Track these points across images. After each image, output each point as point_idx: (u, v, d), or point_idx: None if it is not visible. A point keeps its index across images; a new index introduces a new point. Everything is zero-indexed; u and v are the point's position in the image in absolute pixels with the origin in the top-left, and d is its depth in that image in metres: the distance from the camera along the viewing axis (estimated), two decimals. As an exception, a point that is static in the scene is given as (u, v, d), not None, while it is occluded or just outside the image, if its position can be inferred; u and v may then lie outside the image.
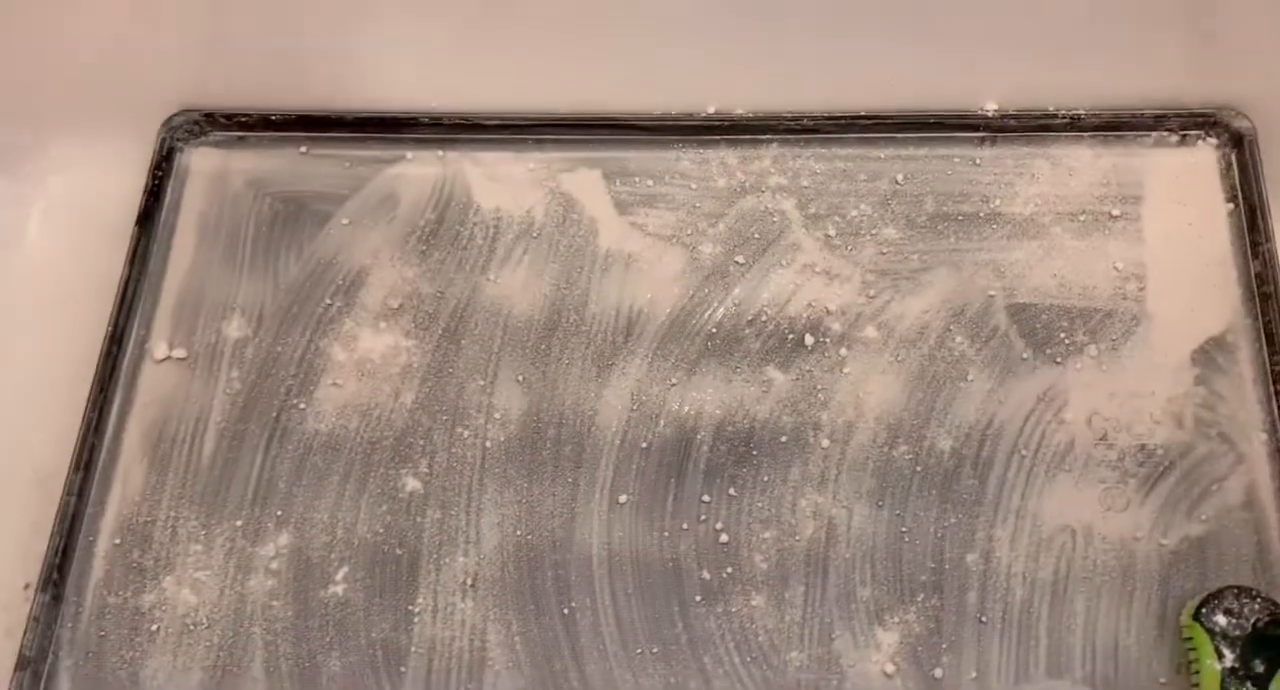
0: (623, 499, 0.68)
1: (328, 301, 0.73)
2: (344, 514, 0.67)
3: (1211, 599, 0.62)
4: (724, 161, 0.78)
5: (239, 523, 0.67)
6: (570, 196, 0.77)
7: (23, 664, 0.61)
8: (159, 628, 0.64)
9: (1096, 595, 0.65)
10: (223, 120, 0.78)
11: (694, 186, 0.77)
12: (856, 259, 0.74)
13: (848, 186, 0.76)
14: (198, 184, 0.77)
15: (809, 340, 0.72)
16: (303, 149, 0.78)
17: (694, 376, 0.71)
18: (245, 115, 0.78)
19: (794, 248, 0.75)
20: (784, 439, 0.69)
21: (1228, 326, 0.71)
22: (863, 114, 0.77)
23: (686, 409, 0.70)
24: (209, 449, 0.69)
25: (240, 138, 0.78)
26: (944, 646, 0.64)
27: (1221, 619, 0.61)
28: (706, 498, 0.68)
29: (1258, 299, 0.72)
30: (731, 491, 0.68)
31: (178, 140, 0.77)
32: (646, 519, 0.67)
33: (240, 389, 0.70)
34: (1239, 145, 0.76)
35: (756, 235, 0.75)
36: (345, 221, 0.76)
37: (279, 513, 0.67)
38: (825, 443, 0.69)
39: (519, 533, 0.67)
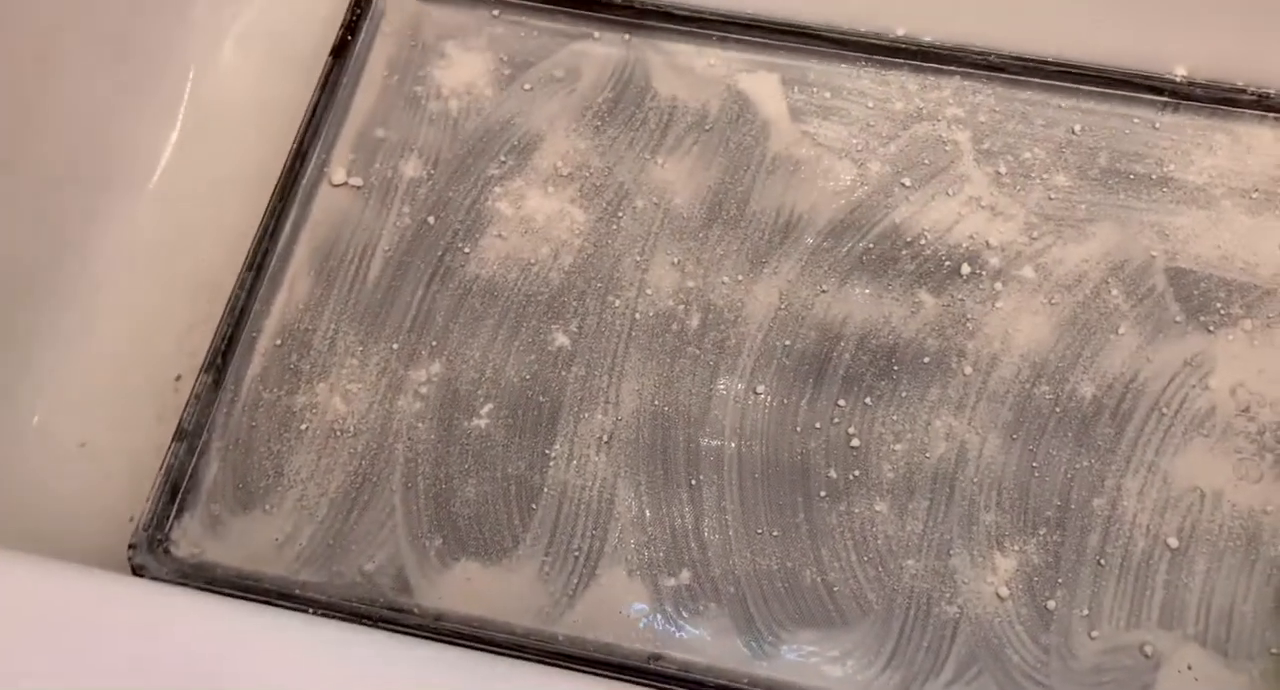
0: (760, 390, 0.68)
1: (502, 158, 0.75)
2: (494, 356, 0.68)
3: (1339, 575, 0.61)
4: (904, 86, 0.78)
5: (395, 345, 0.68)
6: (746, 96, 0.77)
7: (180, 435, 0.64)
8: (307, 428, 0.66)
9: (1218, 559, 0.65)
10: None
11: (871, 105, 0.77)
12: (1023, 200, 0.74)
13: (1024, 128, 0.76)
14: (391, 28, 0.79)
15: (965, 270, 0.72)
16: (495, 12, 0.79)
17: (844, 287, 0.71)
18: (446, -30, 0.79)
19: (962, 179, 0.75)
20: (926, 360, 0.69)
21: (1388, 322, 0.70)
22: (1050, 60, 0.77)
23: (833, 316, 0.71)
24: (374, 273, 0.71)
25: (438, -9, 0.80)
26: (1060, 581, 0.64)
27: (1346, 597, 0.61)
28: (842, 402, 0.68)
29: None
30: (868, 401, 0.68)
31: (377, -17, 0.79)
32: (780, 412, 0.68)
33: (410, 225, 0.72)
34: None
35: (926, 161, 0.75)
36: (527, 87, 0.77)
37: (434, 343, 0.68)
38: (968, 370, 0.69)
39: (657, 402, 0.68)
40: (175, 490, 0.63)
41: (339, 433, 0.66)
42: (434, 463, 0.66)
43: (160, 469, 0.63)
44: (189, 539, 0.63)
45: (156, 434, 0.65)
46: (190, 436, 0.64)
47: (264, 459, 0.65)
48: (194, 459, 0.65)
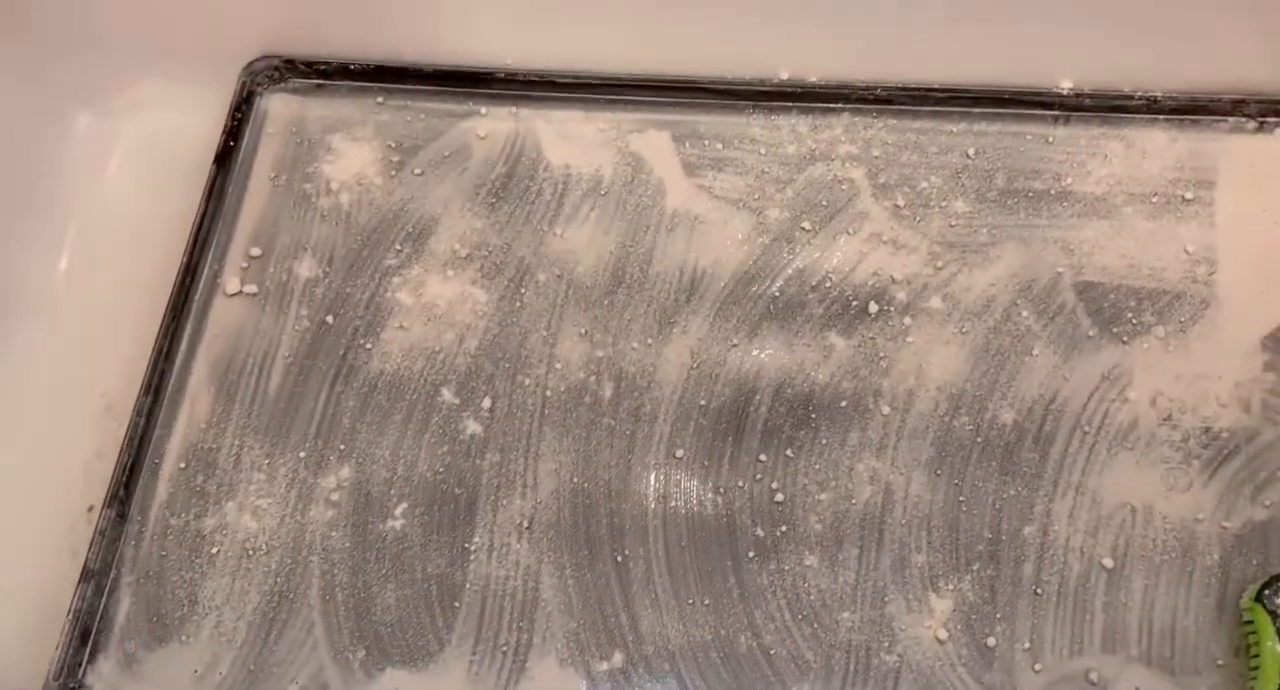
0: (679, 454, 0.68)
1: (398, 247, 0.74)
2: (405, 452, 0.68)
3: (1275, 581, 0.61)
4: (795, 128, 0.78)
5: (302, 454, 0.68)
6: (639, 157, 0.77)
7: (87, 576, 0.63)
8: (219, 551, 0.65)
9: (1155, 574, 0.64)
10: (302, 67, 0.79)
11: (763, 152, 0.77)
12: (924, 230, 0.74)
13: (918, 158, 0.76)
14: (275, 127, 0.78)
15: (873, 308, 0.72)
16: (379, 99, 0.79)
17: (755, 338, 0.71)
18: (325, 63, 0.79)
19: (862, 216, 0.75)
20: (843, 404, 0.69)
21: (1299, 314, 0.70)
22: (937, 87, 0.77)
23: (746, 370, 0.70)
24: (275, 382, 0.70)
25: (319, 85, 0.79)
26: (998, 616, 0.63)
27: (1285, 602, 0.60)
28: (763, 457, 0.68)
29: (1331, 288, 0.71)
30: (789, 452, 0.68)
31: (258, 85, 0.79)
32: (702, 474, 0.67)
33: (309, 326, 0.71)
34: (1319, 134, 0.75)
35: (824, 202, 0.75)
36: (418, 171, 0.77)
37: (342, 447, 0.68)
38: (885, 410, 0.69)
39: (575, 480, 0.67)
40: (86, 634, 0.62)
41: (252, 552, 0.65)
42: (351, 571, 0.65)
43: (68, 614, 0.62)
44: (104, 683, 0.62)
45: (72, 570, 0.64)
46: (98, 575, 0.63)
47: (177, 588, 0.64)
48: (104, 598, 0.63)
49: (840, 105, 0.77)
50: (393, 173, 0.77)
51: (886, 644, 0.63)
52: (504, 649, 0.63)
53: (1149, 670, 0.62)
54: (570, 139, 0.78)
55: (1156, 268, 0.72)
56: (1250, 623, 0.61)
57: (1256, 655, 0.60)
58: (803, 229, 0.74)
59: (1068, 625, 0.63)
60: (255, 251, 0.74)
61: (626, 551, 0.65)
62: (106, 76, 0.78)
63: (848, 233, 0.74)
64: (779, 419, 0.69)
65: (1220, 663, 0.62)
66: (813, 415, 0.69)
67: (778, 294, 0.72)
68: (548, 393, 0.69)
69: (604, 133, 0.78)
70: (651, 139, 0.78)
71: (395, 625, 0.63)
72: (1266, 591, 0.61)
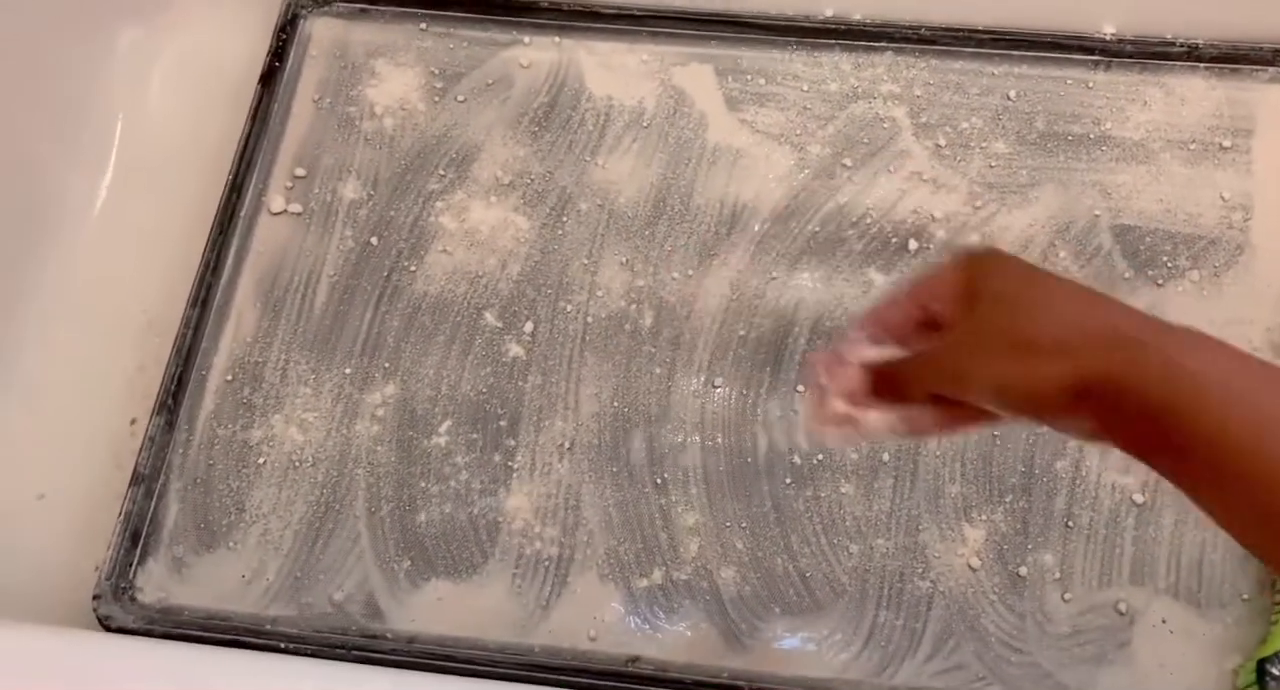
0: (718, 382, 0.68)
1: (441, 172, 0.74)
2: (449, 372, 0.68)
3: (1303, 517, 0.62)
4: (837, 66, 0.78)
5: (348, 370, 0.68)
6: (681, 90, 0.77)
7: (137, 480, 0.63)
8: (266, 461, 0.66)
9: (1185, 511, 0.65)
10: (347, -8, 0.79)
11: (805, 88, 0.77)
12: (964, 170, 0.74)
13: (960, 99, 0.76)
14: (319, 50, 0.78)
15: (912, 245, 0.72)
16: (422, 25, 0.79)
17: (794, 272, 0.71)
18: (369, -13, 0.79)
19: (903, 155, 0.75)
20: (881, 338, 0.69)
21: (1333, 263, 0.71)
22: (980, 29, 0.77)
23: (785, 302, 0.71)
24: (321, 300, 0.70)
25: (363, 9, 0.79)
26: (1029, 546, 0.64)
27: (1312, 538, 0.61)
28: (801, 388, 0.68)
29: (1365, 236, 0.71)
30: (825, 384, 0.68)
31: (302, 7, 0.78)
32: (740, 403, 0.68)
33: (353, 247, 0.72)
34: (1357, 85, 0.75)
35: (866, 140, 0.75)
36: (460, 99, 0.77)
37: (386, 365, 0.68)
38: (922, 344, 0.69)
39: (616, 404, 0.68)
40: (136, 536, 0.63)
41: (298, 463, 0.66)
42: (396, 485, 0.65)
43: (119, 516, 0.63)
44: (154, 584, 0.63)
45: (115, 480, 0.65)
46: (147, 480, 0.64)
47: (224, 496, 0.65)
48: (153, 503, 0.64)
49: (884, 44, 0.78)
50: (436, 99, 0.77)
51: (920, 570, 0.64)
52: (546, 564, 0.64)
53: (1176, 602, 0.63)
54: (613, 70, 0.78)
55: (1193, 213, 0.73)
56: (1277, 558, 0.62)
57: (1281, 590, 0.61)
58: (844, 166, 0.75)
59: (1098, 558, 0.64)
60: (300, 172, 0.74)
61: (665, 475, 0.66)
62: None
63: (888, 171, 0.74)
64: (816, 351, 0.69)
65: (1245, 597, 0.63)
66: (850, 349, 0.69)
67: (818, 229, 0.73)
68: (589, 319, 0.70)
69: (647, 65, 0.78)
70: (694, 72, 0.78)
71: (440, 538, 0.64)
72: (1294, 528, 0.62)
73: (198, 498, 0.65)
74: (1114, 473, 0.66)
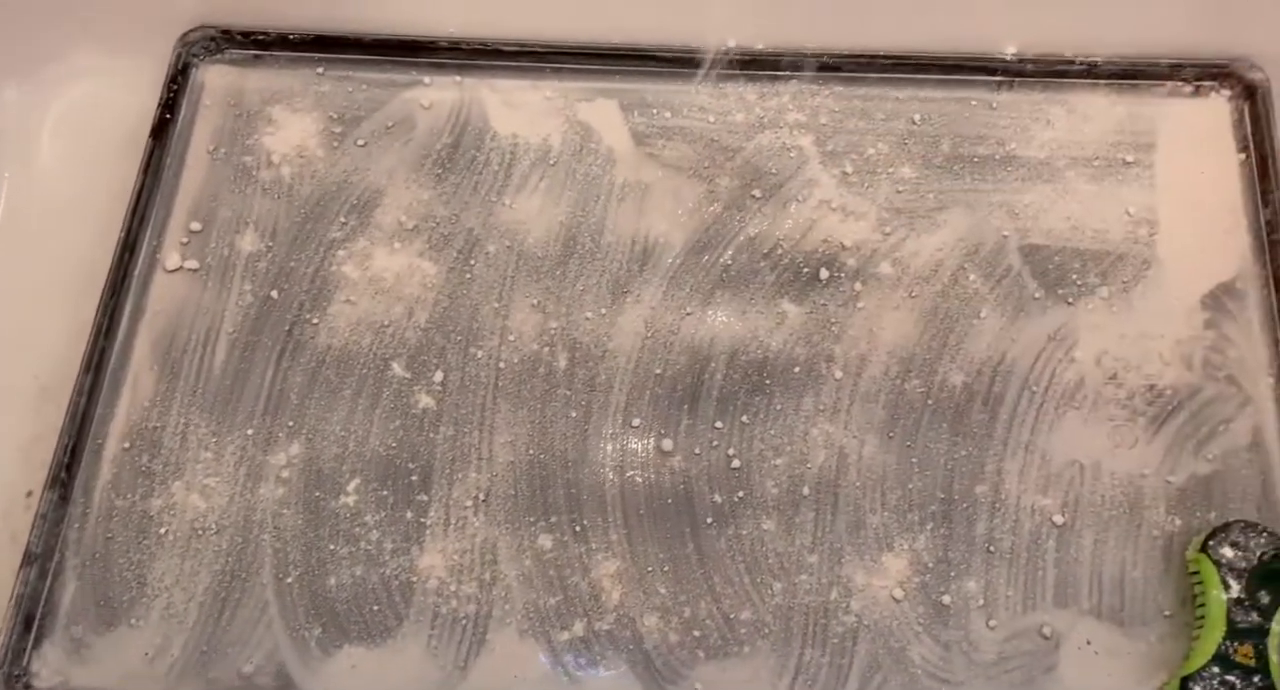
0: (636, 423, 0.67)
1: (342, 220, 0.73)
2: (356, 427, 0.67)
3: (1219, 532, 0.62)
4: (742, 96, 0.77)
5: (250, 431, 0.66)
6: (587, 126, 0.76)
7: (29, 559, 0.61)
8: (167, 531, 0.64)
9: (1104, 529, 0.65)
10: (239, 37, 0.77)
11: (712, 120, 0.77)
12: (873, 197, 0.74)
13: (865, 125, 0.77)
14: (213, 99, 0.76)
15: (824, 274, 0.72)
16: (319, 70, 0.77)
17: (708, 307, 0.71)
18: (262, 33, 0.77)
19: (811, 184, 0.75)
20: (797, 370, 0.69)
21: (1237, 273, 0.72)
22: (883, 54, 0.77)
23: (700, 338, 0.70)
24: (220, 358, 0.68)
25: (256, 56, 0.77)
26: (952, 574, 0.64)
27: (1228, 551, 0.62)
28: (719, 424, 0.68)
29: (1267, 247, 0.72)
30: (744, 419, 0.68)
31: (193, 56, 0.76)
32: (659, 442, 0.67)
33: (253, 302, 0.70)
34: (1252, 97, 0.76)
35: (774, 170, 0.75)
36: (360, 143, 0.75)
37: (290, 423, 0.66)
38: (838, 374, 0.69)
39: (531, 452, 0.66)
40: (30, 620, 0.60)
41: (201, 532, 0.64)
42: (304, 549, 0.63)
43: (10, 600, 0.60)
44: (50, 669, 0.60)
45: (11, 556, 0.62)
46: (40, 559, 0.62)
47: (124, 571, 0.63)
48: (48, 582, 0.62)
49: (788, 73, 0.77)
50: (335, 144, 0.75)
51: (844, 605, 0.63)
52: (463, 622, 0.62)
53: (1100, 623, 0.63)
54: (517, 108, 0.77)
55: (1099, 230, 0.73)
56: (1196, 573, 0.62)
57: (1202, 604, 0.61)
58: (753, 197, 0.74)
59: (1020, 581, 0.64)
60: (195, 226, 0.72)
61: (585, 522, 0.65)
62: (36, 46, 0.76)
63: (797, 200, 0.74)
64: (734, 386, 0.69)
65: (1168, 613, 0.63)
66: (767, 382, 0.69)
67: (730, 262, 0.72)
68: (501, 365, 0.69)
69: (551, 101, 0.77)
70: (600, 108, 0.77)
71: (351, 602, 0.62)
72: (1210, 542, 0.62)
73: (96, 574, 0.62)
74: (1033, 493, 0.66)
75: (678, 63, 0.77)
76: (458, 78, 0.77)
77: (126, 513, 0.64)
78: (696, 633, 0.62)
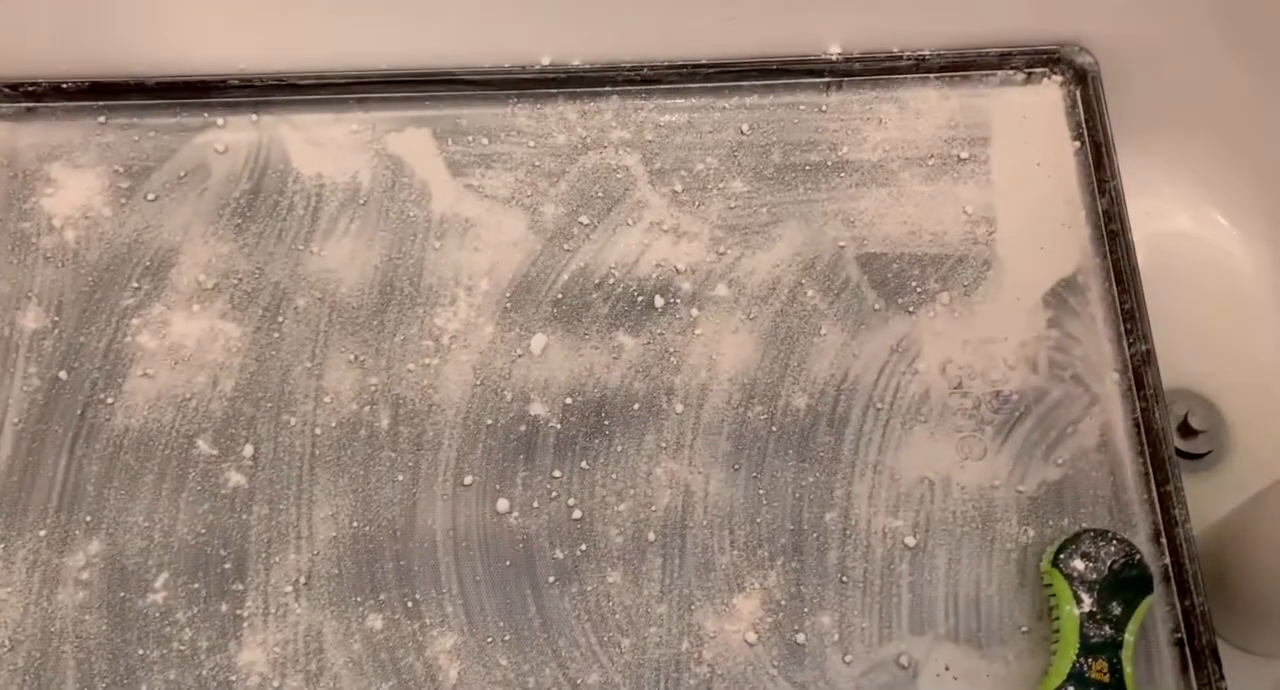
0: (468, 480, 0.64)
1: (135, 285, 0.67)
2: (161, 516, 0.62)
3: (1068, 544, 0.61)
4: (563, 116, 0.73)
5: (42, 532, 0.61)
6: (399, 159, 0.72)
7: None
8: (-47, 655, 0.59)
9: (957, 547, 0.64)
10: (7, 90, 0.71)
11: (532, 144, 0.73)
12: (704, 215, 0.71)
13: (693, 139, 0.73)
14: (-20, 161, 0.70)
15: (659, 302, 0.69)
16: (101, 119, 0.71)
17: (540, 347, 0.67)
18: (33, 84, 0.71)
19: (640, 205, 0.71)
20: (636, 407, 0.66)
21: (1078, 267, 0.71)
22: (704, 62, 0.74)
23: (534, 381, 0.66)
24: (6, 453, 0.63)
25: (29, 108, 0.71)
26: (805, 610, 0.62)
27: (1079, 564, 0.61)
28: (558, 473, 0.64)
29: (1106, 238, 0.71)
30: (584, 465, 0.65)
31: (-46, 113, 0.70)
32: (494, 500, 0.64)
33: (40, 385, 0.64)
34: (1083, 82, 0.75)
35: (600, 194, 0.72)
36: (150, 197, 0.70)
37: (88, 518, 0.61)
38: (679, 408, 0.66)
39: (355, 524, 0.62)
40: None
41: (-9, 651, 0.59)
42: (110, 657, 0.59)
43: None
44: None
45: None
46: None
47: (-95, 705, 0.58)
48: None
49: (608, 89, 0.74)
50: (123, 201, 0.69)
51: (697, 654, 0.61)
52: (289, 719, 0.58)
53: (957, 647, 0.62)
54: (320, 145, 0.72)
55: (937, 232, 0.72)
56: (1049, 586, 0.62)
57: (1058, 618, 0.60)
58: (580, 224, 0.71)
59: (875, 611, 0.62)
60: (-30, 303, 0.66)
61: (417, 595, 0.61)
62: None
63: (627, 224, 0.71)
64: (571, 430, 0.65)
65: (1025, 629, 0.62)
66: (606, 422, 0.66)
67: (560, 296, 0.69)
68: (317, 430, 0.64)
69: (357, 135, 0.72)
70: (411, 138, 0.72)
71: (164, 711, 0.58)
72: (1061, 555, 0.61)
73: (-127, 712, 0.57)
74: (884, 516, 0.64)
75: (490, 86, 0.73)
76: (254, 116, 0.72)
77: (-96, 639, 0.59)
78: (542, 702, 0.60)
